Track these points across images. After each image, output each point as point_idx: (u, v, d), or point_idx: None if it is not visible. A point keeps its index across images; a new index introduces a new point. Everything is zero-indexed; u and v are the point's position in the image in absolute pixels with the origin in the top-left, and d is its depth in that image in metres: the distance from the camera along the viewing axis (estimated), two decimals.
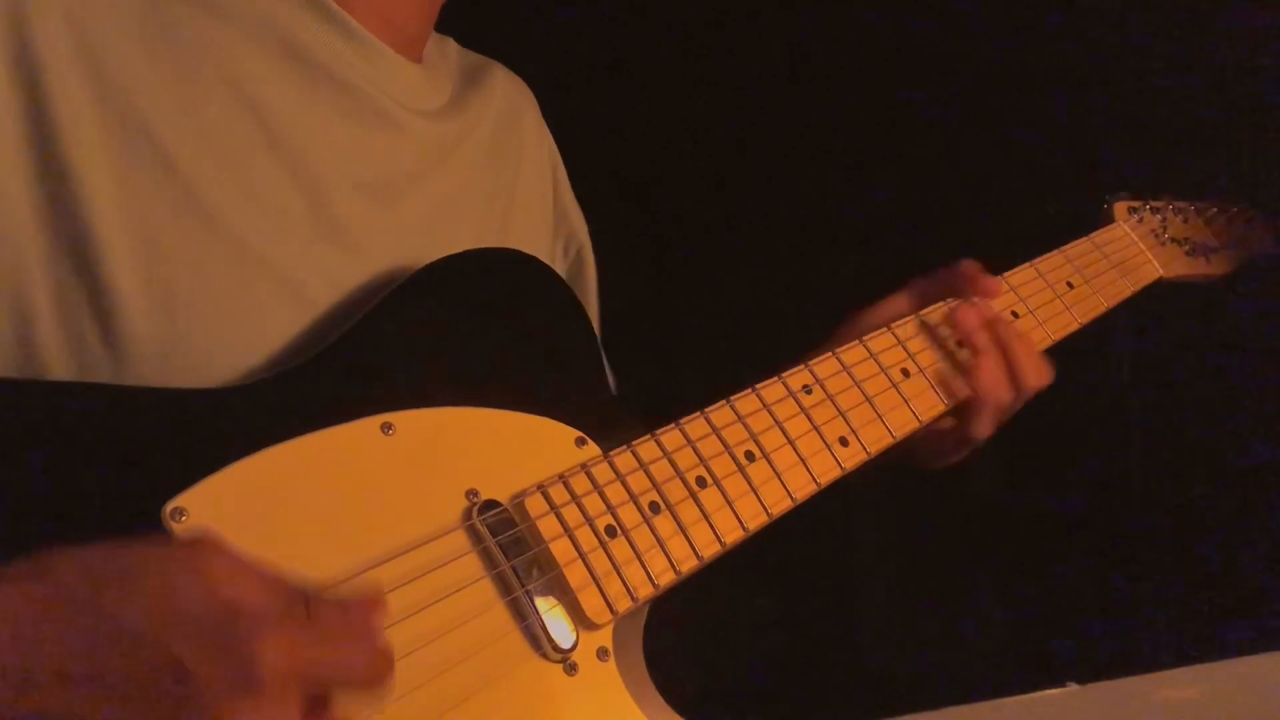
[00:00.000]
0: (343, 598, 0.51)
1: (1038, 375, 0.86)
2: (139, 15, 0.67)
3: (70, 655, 0.43)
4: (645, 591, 0.65)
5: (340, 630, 0.49)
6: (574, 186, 1.01)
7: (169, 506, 0.54)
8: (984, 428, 0.85)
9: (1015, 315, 0.90)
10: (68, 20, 0.63)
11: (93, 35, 0.64)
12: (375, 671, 0.50)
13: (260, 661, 0.44)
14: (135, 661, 0.43)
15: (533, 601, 0.61)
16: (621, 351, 0.99)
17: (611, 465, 0.68)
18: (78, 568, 0.45)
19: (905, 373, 0.83)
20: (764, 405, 0.75)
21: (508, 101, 0.94)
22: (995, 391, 0.84)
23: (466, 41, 0.95)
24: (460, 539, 0.62)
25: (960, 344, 0.86)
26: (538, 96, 0.99)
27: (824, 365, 0.80)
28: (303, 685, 0.46)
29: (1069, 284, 0.96)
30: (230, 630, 0.44)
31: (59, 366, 0.63)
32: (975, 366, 0.84)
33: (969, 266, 0.89)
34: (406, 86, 0.81)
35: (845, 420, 0.78)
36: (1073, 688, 0.50)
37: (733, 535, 0.70)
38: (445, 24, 0.90)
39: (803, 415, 0.76)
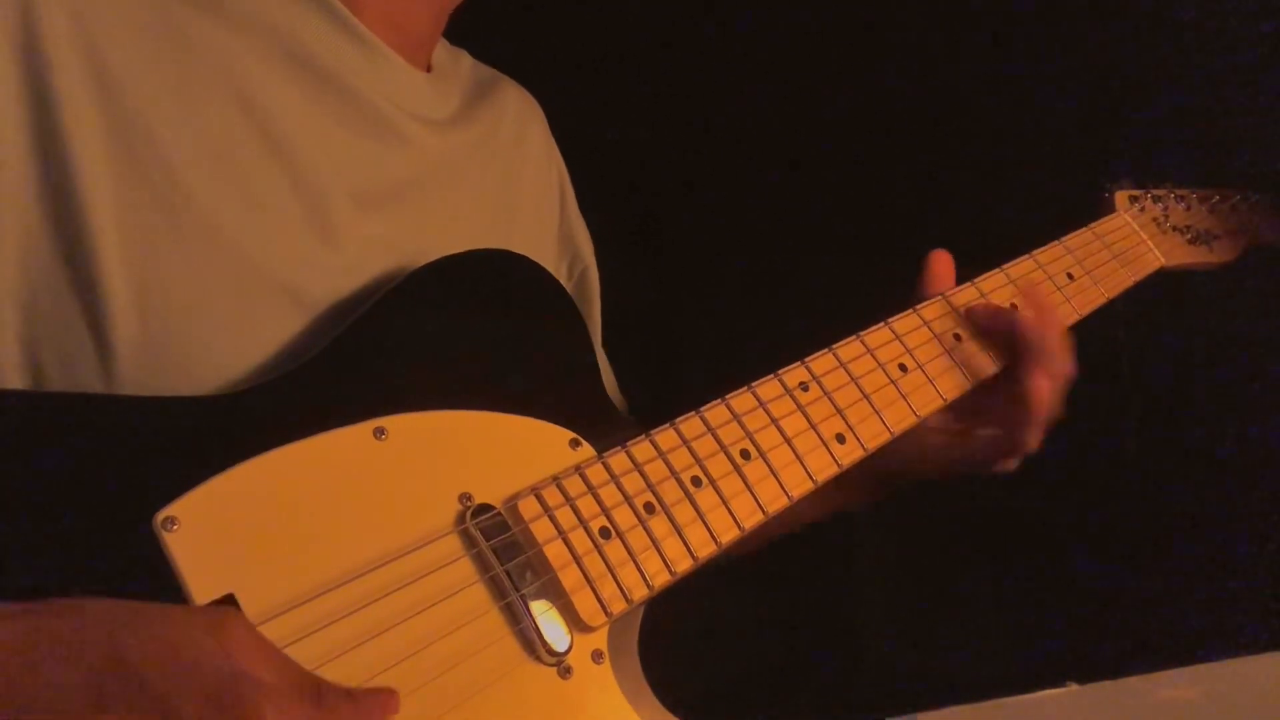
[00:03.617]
0: (354, 690, 0.51)
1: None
2: (143, 17, 0.67)
3: (74, 689, 0.42)
4: (640, 593, 0.65)
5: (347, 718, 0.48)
6: (576, 189, 1.00)
7: (160, 515, 0.54)
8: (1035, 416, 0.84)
9: (1014, 307, 0.90)
10: (73, 20, 0.63)
11: (97, 35, 0.64)
12: None
13: None
14: (135, 706, 0.42)
15: (527, 605, 0.61)
16: (621, 352, 0.98)
17: (606, 466, 0.68)
18: (100, 611, 0.45)
19: (903, 368, 0.82)
20: (760, 403, 0.75)
21: (516, 116, 0.93)
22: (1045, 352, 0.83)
23: (477, 53, 0.95)
24: (453, 543, 0.61)
25: (959, 337, 0.86)
26: (545, 100, 0.98)
27: (820, 362, 0.79)
28: None
29: (1069, 275, 0.95)
30: (235, 696, 0.44)
31: (51, 370, 0.62)
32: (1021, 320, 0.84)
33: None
34: (412, 94, 0.80)
35: (842, 417, 0.77)
36: (1073, 688, 0.50)
37: (729, 535, 0.69)
38: (460, 38, 0.89)
39: (799, 413, 0.76)
